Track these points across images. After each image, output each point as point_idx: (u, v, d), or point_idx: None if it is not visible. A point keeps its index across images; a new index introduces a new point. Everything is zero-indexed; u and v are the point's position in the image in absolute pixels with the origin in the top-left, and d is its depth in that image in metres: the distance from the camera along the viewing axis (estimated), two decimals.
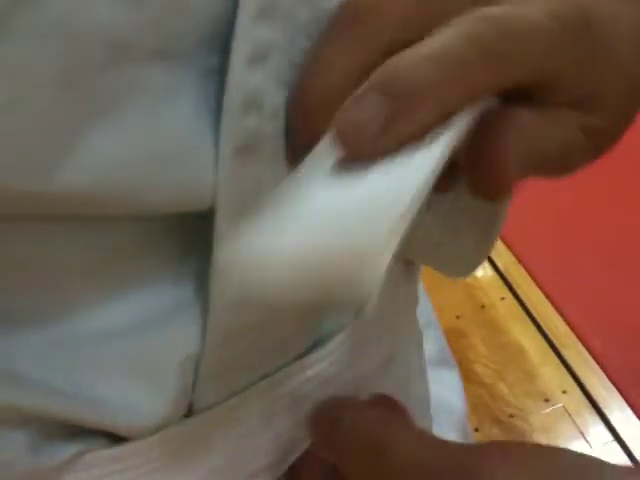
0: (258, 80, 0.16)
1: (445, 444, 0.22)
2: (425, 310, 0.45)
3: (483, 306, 1.43)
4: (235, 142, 0.17)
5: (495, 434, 1.19)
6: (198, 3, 0.15)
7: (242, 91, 0.16)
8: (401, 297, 0.31)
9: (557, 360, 1.30)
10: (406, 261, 0.29)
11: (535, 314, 1.37)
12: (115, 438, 0.21)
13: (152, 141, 0.16)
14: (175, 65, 0.16)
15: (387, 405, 0.26)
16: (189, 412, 0.22)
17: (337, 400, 0.24)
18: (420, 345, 0.38)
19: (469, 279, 1.48)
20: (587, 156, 0.21)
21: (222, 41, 0.16)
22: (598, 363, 1.26)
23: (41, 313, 0.18)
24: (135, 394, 0.20)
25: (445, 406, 0.45)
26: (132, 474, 0.21)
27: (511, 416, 1.23)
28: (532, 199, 1.51)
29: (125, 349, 0.19)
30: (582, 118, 0.19)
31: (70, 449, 0.20)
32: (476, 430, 1.17)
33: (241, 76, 0.16)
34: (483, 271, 1.50)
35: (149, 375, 0.20)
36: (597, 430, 1.19)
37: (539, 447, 0.22)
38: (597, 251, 1.41)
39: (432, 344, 0.50)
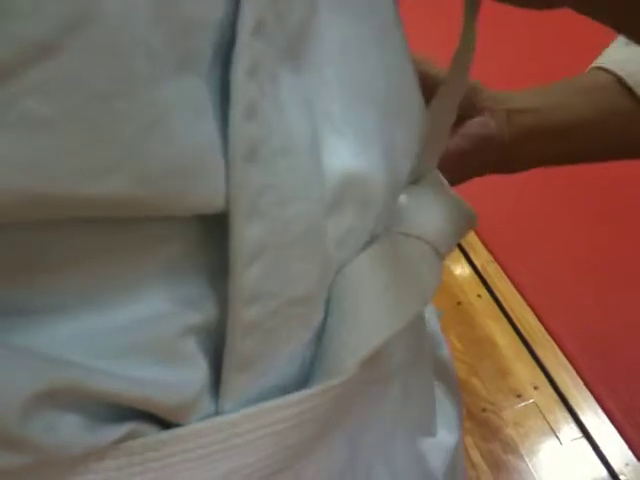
0: (254, 89, 0.18)
1: None
2: None
3: (459, 303, 1.45)
4: (242, 148, 0.18)
5: (468, 427, 1.21)
6: (211, 16, 0.17)
7: (243, 100, 0.18)
8: None
9: (529, 357, 1.33)
10: None
11: (510, 311, 1.40)
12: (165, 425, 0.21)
13: (182, 151, 0.17)
14: (195, 78, 0.17)
15: None
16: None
17: None
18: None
19: (446, 277, 1.50)
20: None
21: (222, 53, 0.18)
22: (569, 361, 1.29)
23: (77, 305, 0.19)
24: (163, 371, 0.20)
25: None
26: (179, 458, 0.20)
27: (484, 410, 1.25)
28: (510, 200, 1.54)
29: (146, 335, 0.20)
30: None
31: (120, 429, 0.19)
32: None
33: (242, 85, 0.18)
34: (460, 269, 1.52)
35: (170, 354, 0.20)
36: (567, 426, 1.21)
37: None
38: (573, 252, 1.44)
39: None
